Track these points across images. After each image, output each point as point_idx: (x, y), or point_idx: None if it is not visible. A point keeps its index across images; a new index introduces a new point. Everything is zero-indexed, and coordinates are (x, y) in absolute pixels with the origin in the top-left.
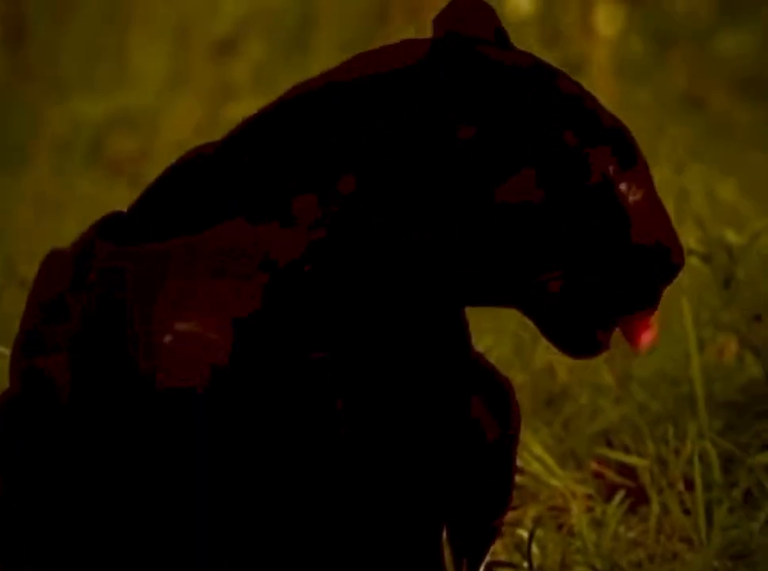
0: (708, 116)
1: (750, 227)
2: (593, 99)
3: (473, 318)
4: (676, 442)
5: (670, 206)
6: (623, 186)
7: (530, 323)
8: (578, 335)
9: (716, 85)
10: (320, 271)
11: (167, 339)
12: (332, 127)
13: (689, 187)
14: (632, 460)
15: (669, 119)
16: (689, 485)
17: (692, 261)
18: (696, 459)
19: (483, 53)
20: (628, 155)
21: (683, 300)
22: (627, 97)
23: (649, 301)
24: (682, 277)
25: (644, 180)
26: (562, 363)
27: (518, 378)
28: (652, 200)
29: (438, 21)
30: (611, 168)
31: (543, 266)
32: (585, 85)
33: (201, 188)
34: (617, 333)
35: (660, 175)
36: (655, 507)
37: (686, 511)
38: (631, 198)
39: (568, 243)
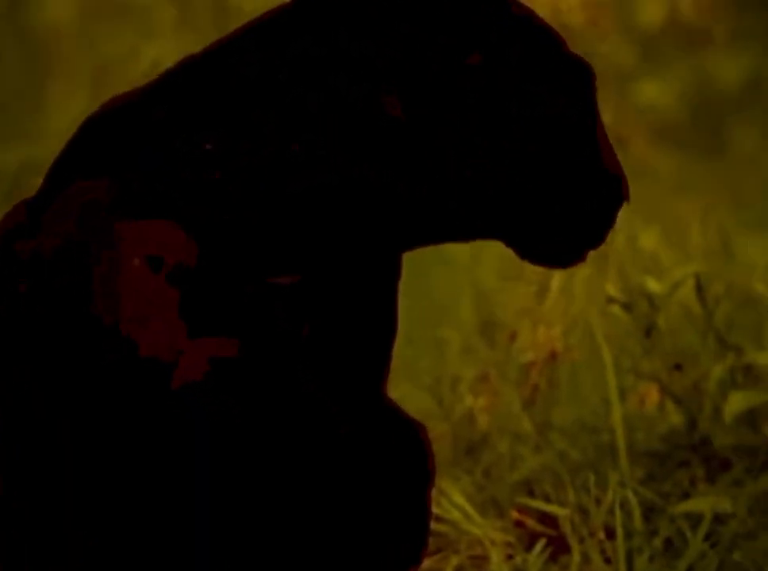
0: (629, 162)
1: (672, 275)
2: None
3: (394, 369)
4: (597, 491)
5: (591, 254)
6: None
7: (449, 371)
8: (563, 248)
9: (637, 131)
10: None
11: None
12: (250, 71)
13: (611, 234)
14: (553, 508)
15: None
16: (610, 534)
17: (613, 309)
18: (617, 508)
19: None
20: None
21: (604, 348)
22: None
23: (607, 226)
24: (603, 326)
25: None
26: (482, 411)
27: (438, 427)
28: (603, 132)
29: None
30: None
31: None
32: None
33: (119, 137)
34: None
35: None
36: (576, 556)
37: (607, 560)
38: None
39: (545, 167)
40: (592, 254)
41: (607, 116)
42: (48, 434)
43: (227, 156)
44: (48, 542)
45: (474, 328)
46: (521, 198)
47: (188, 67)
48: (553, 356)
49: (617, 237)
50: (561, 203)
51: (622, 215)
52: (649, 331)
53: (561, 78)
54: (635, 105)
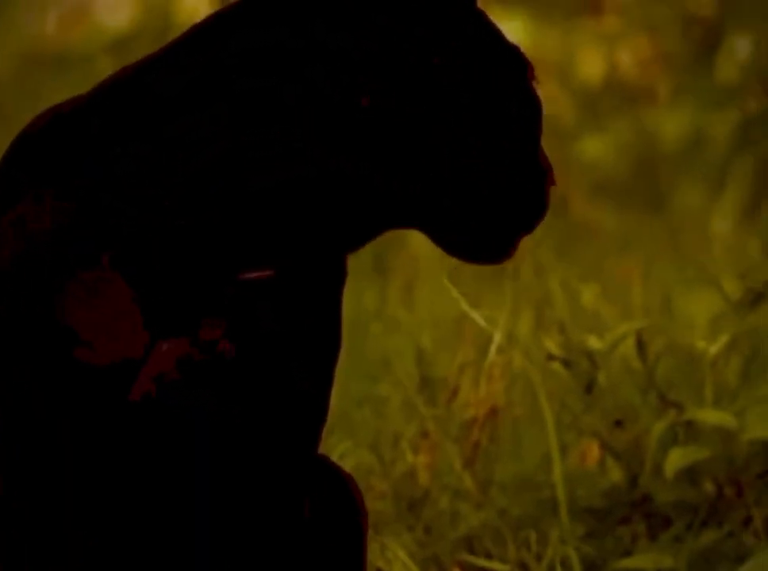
0: (569, 219)
1: (612, 332)
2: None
3: (333, 426)
4: (538, 548)
5: (531, 313)
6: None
7: (389, 428)
8: (491, 240)
9: (578, 189)
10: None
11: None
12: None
13: (551, 291)
14: (494, 565)
15: None
16: None
17: (554, 366)
18: (558, 565)
19: None
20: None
21: (545, 404)
22: None
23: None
24: (544, 383)
25: None
26: (423, 468)
27: (379, 485)
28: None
29: None
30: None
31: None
32: None
33: (59, 149)
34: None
35: (523, 279)
36: None
37: None
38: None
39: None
40: (533, 311)
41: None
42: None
43: (172, 159)
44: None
45: (415, 385)
46: (455, 188)
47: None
48: (494, 412)
49: (558, 294)
50: (492, 193)
51: (562, 272)
52: (590, 387)
53: (505, 71)
54: (576, 162)
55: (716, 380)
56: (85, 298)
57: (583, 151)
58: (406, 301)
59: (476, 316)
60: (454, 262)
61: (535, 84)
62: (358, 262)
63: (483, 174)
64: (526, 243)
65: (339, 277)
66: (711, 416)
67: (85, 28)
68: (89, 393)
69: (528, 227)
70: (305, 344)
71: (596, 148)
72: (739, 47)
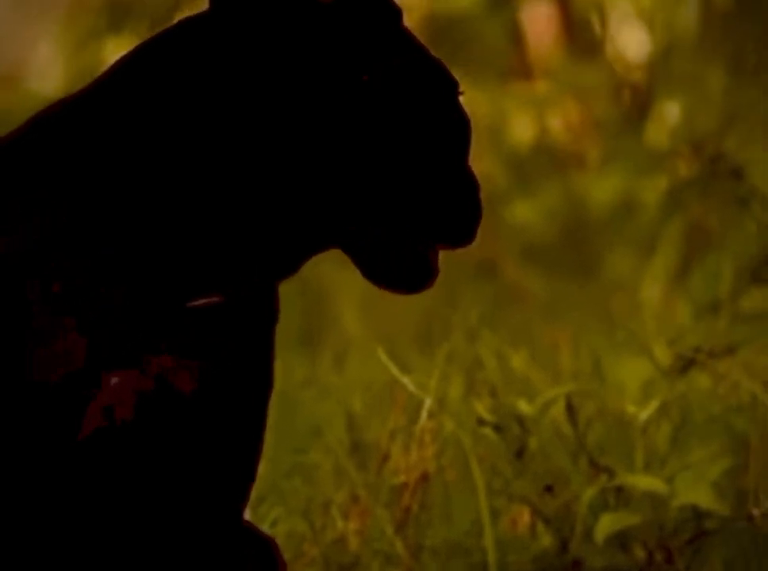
0: (499, 284)
1: (543, 397)
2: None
3: (265, 495)
4: None
5: (462, 378)
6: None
7: (320, 495)
8: (409, 270)
9: (508, 253)
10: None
11: None
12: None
13: (482, 356)
14: None
15: (461, 287)
16: None
17: (485, 431)
18: None
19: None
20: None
21: (476, 469)
22: None
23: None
24: (475, 448)
25: None
26: (354, 534)
27: (310, 551)
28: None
29: None
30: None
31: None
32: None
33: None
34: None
35: (453, 344)
36: None
37: None
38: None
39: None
40: (463, 376)
41: (477, 238)
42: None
43: (110, 186)
44: None
45: (346, 451)
46: (383, 210)
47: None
48: (425, 478)
49: (488, 359)
50: (424, 210)
51: (492, 336)
52: (520, 452)
53: (431, 88)
54: (506, 227)
55: (646, 445)
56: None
57: (513, 215)
58: (337, 368)
59: (406, 381)
60: (384, 329)
61: (461, 99)
62: (287, 335)
63: (410, 196)
64: (456, 308)
65: (272, 313)
66: (641, 482)
67: (15, 95)
68: (40, 421)
69: (459, 244)
70: (245, 378)
71: (526, 213)
72: (669, 113)
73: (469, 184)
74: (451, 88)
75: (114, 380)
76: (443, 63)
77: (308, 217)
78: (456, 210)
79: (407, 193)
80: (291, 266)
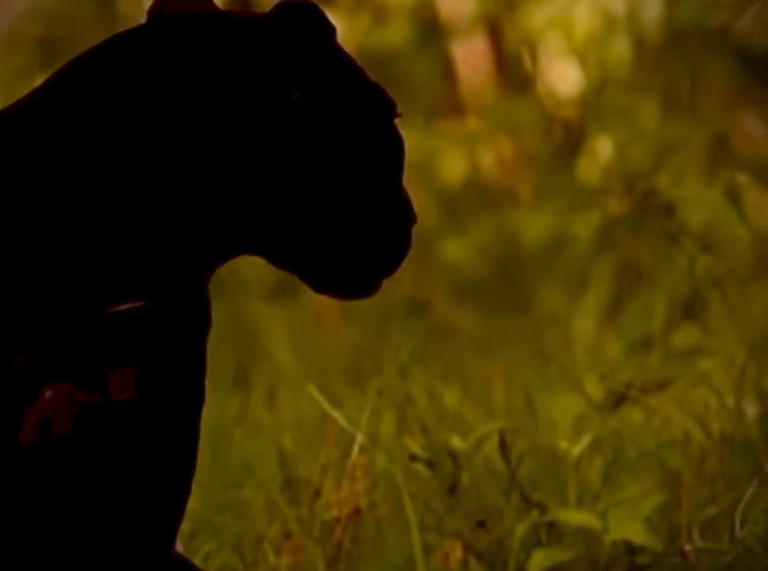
0: (430, 320)
1: (475, 433)
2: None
3: (197, 530)
4: None
5: (393, 413)
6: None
7: (252, 530)
8: (353, 282)
9: (439, 290)
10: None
11: None
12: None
13: (414, 392)
14: None
15: (392, 324)
16: None
17: (417, 466)
18: None
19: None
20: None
21: (408, 505)
22: (351, 304)
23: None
24: (407, 483)
25: None
26: (286, 569)
27: None
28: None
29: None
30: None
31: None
32: (305, 297)
33: None
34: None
35: (384, 381)
36: None
37: None
38: None
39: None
40: (395, 411)
41: (408, 275)
42: None
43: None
44: None
45: (278, 486)
46: (317, 223)
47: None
48: (357, 513)
49: (420, 394)
50: (356, 228)
51: (424, 373)
52: (453, 488)
53: (366, 109)
54: (438, 264)
55: (579, 481)
56: None
57: (445, 252)
58: (268, 405)
59: (338, 416)
60: (315, 365)
61: (397, 120)
62: (220, 373)
63: (347, 211)
64: (387, 343)
65: (203, 319)
66: (574, 517)
67: None
68: None
69: (392, 264)
70: (178, 385)
71: (457, 249)
72: (601, 148)
73: (398, 211)
74: (387, 109)
75: (48, 393)
76: (380, 85)
77: (227, 223)
78: (383, 237)
79: (339, 212)
80: (210, 266)
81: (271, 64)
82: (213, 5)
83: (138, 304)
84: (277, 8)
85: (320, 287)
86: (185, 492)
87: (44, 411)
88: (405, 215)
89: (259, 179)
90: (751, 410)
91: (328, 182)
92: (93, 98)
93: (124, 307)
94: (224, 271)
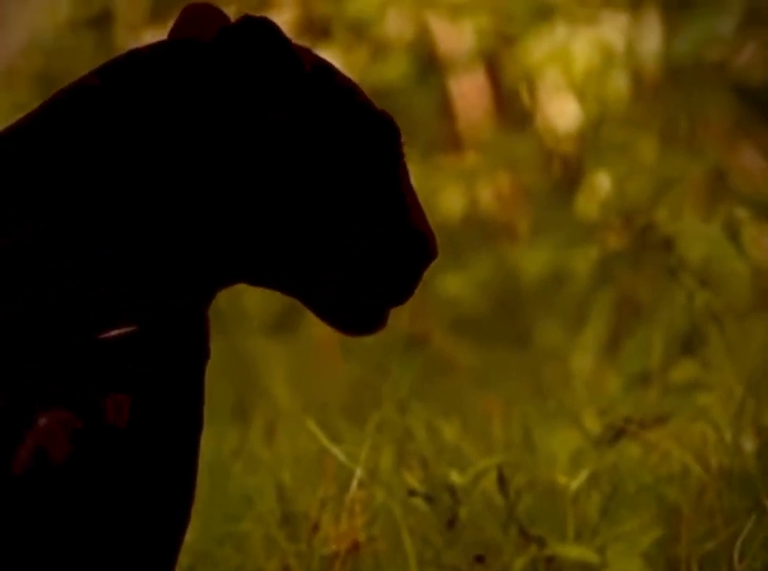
0: (429, 355)
1: (474, 467)
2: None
3: (196, 563)
4: None
5: (392, 448)
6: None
7: (251, 564)
8: (361, 314)
9: (437, 325)
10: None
11: None
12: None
13: (413, 427)
14: None
15: (391, 358)
16: None
17: (415, 501)
18: None
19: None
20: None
21: (406, 539)
22: (350, 339)
23: (413, 286)
24: (405, 518)
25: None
26: None
27: None
28: (412, 190)
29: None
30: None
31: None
32: (304, 332)
33: None
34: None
35: (383, 416)
36: None
37: None
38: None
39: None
40: (394, 446)
41: (407, 310)
42: None
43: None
44: None
45: (276, 521)
46: (323, 258)
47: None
48: (355, 547)
49: (419, 429)
50: (364, 262)
51: (423, 408)
52: (451, 522)
53: (366, 135)
54: (437, 298)
55: (577, 515)
56: None
57: (444, 287)
58: (267, 439)
59: (337, 451)
60: (314, 400)
61: (404, 150)
62: (218, 407)
63: (354, 243)
64: (386, 378)
65: (201, 347)
66: (572, 552)
67: None
68: None
69: (399, 299)
70: (175, 413)
71: (456, 284)
72: (599, 183)
73: (410, 241)
74: (390, 135)
75: (43, 420)
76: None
77: (224, 244)
78: (394, 268)
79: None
80: (207, 289)
81: (238, 86)
82: (227, 20)
83: (130, 329)
84: (231, 28)
85: (325, 316)
86: (183, 522)
87: (40, 437)
88: (424, 251)
89: (252, 197)
90: (749, 445)
91: (326, 197)
92: (92, 120)
93: (116, 333)
94: (223, 305)
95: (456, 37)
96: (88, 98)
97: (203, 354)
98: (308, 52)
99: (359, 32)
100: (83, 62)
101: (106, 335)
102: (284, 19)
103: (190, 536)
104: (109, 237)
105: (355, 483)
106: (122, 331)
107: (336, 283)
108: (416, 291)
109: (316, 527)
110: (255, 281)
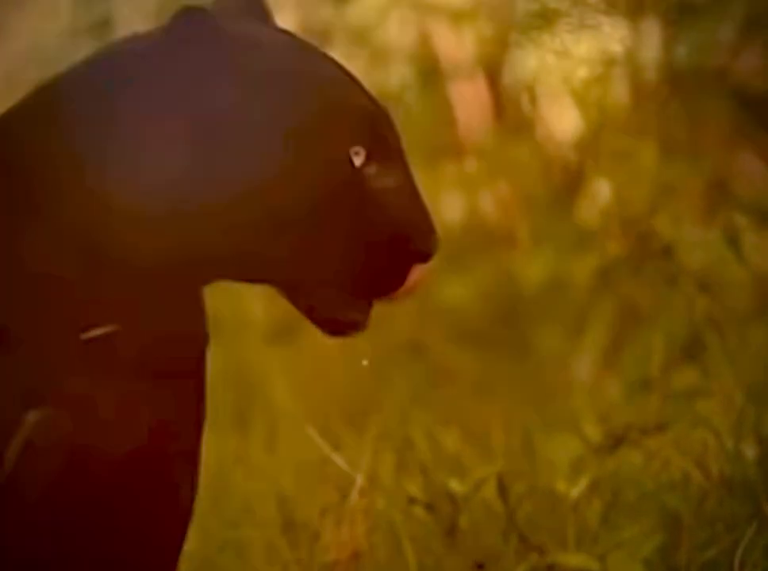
0: (429, 364)
1: (474, 475)
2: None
3: (196, 567)
4: None
5: (393, 456)
6: (373, 172)
7: (252, 570)
8: (337, 317)
9: (437, 333)
10: None
11: None
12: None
13: (413, 436)
14: None
15: (392, 368)
16: None
17: (416, 509)
18: None
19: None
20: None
21: (407, 547)
22: (350, 347)
23: (401, 281)
24: (406, 526)
25: (398, 166)
26: None
27: None
28: (407, 187)
29: None
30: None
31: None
32: (304, 340)
33: None
34: None
35: (384, 424)
36: None
37: None
38: (382, 185)
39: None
40: (394, 454)
41: (407, 318)
42: None
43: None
44: None
45: (277, 528)
46: (312, 251)
47: None
48: (356, 555)
49: (419, 437)
50: (354, 259)
51: (423, 416)
52: (452, 530)
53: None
54: (436, 306)
55: (577, 522)
56: None
57: (443, 294)
58: (268, 447)
59: (337, 458)
60: (315, 407)
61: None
62: (219, 414)
63: (342, 244)
64: (387, 386)
65: (200, 335)
66: (573, 559)
67: None
68: None
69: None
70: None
71: (456, 292)
72: (599, 191)
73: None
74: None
75: (32, 419)
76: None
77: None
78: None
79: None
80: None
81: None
82: None
83: (110, 329)
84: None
85: (311, 316)
86: (183, 526)
87: (30, 435)
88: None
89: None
90: (750, 452)
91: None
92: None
93: (96, 332)
94: (224, 312)
95: (456, 44)
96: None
97: (203, 341)
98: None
99: (360, 38)
100: None
101: (89, 334)
102: (284, 24)
103: (190, 543)
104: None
105: (355, 491)
106: (105, 330)
107: (316, 273)
108: (416, 298)
109: (316, 535)
110: (235, 273)
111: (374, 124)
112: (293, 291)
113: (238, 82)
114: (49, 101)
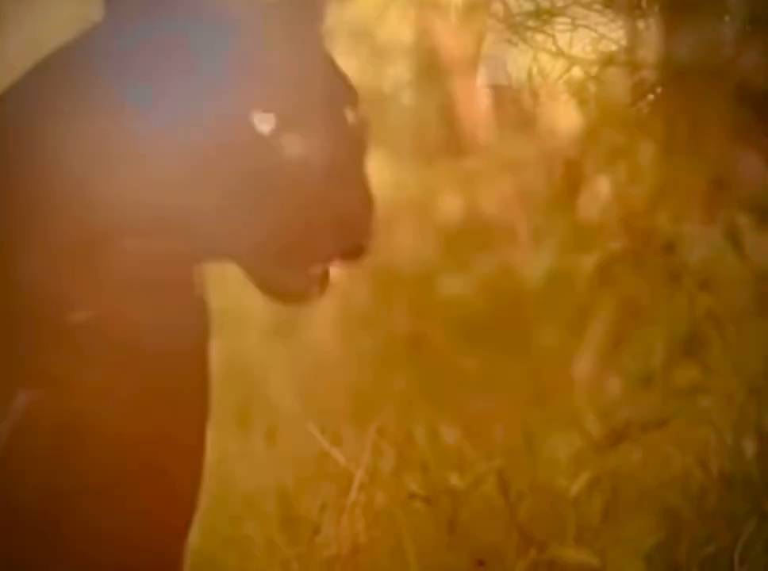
0: (430, 358)
1: (474, 470)
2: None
3: (199, 567)
4: None
5: (393, 451)
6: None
7: (252, 567)
8: (286, 288)
9: (438, 328)
10: None
11: None
12: None
13: (413, 431)
14: None
15: (392, 362)
16: None
17: (416, 504)
18: None
19: None
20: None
21: (407, 542)
22: (351, 342)
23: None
24: (406, 521)
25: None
26: None
27: None
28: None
29: None
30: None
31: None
32: (304, 335)
33: None
34: None
35: (384, 421)
36: None
37: None
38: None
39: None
40: (394, 449)
41: (407, 313)
42: None
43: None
44: None
45: (277, 523)
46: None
47: None
48: (356, 550)
49: (419, 432)
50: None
51: (424, 411)
52: (451, 526)
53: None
54: (438, 301)
55: (578, 518)
56: None
57: (444, 289)
58: (268, 442)
59: (337, 454)
60: (315, 403)
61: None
62: (220, 410)
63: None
64: (387, 382)
65: (201, 323)
66: (573, 554)
67: None
68: None
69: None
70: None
71: (457, 287)
72: (601, 187)
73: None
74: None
75: (22, 403)
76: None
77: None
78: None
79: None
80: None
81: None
82: None
83: (91, 313)
84: None
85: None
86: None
87: (16, 422)
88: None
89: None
90: (751, 448)
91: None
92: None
93: (80, 316)
94: (224, 308)
95: (457, 40)
96: None
97: (204, 329)
98: None
99: (360, 34)
100: None
101: (74, 317)
102: None
103: (192, 539)
104: None
105: (355, 486)
106: (87, 314)
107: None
108: (417, 294)
109: (316, 530)
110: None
111: None
112: (245, 266)
113: None
114: None
